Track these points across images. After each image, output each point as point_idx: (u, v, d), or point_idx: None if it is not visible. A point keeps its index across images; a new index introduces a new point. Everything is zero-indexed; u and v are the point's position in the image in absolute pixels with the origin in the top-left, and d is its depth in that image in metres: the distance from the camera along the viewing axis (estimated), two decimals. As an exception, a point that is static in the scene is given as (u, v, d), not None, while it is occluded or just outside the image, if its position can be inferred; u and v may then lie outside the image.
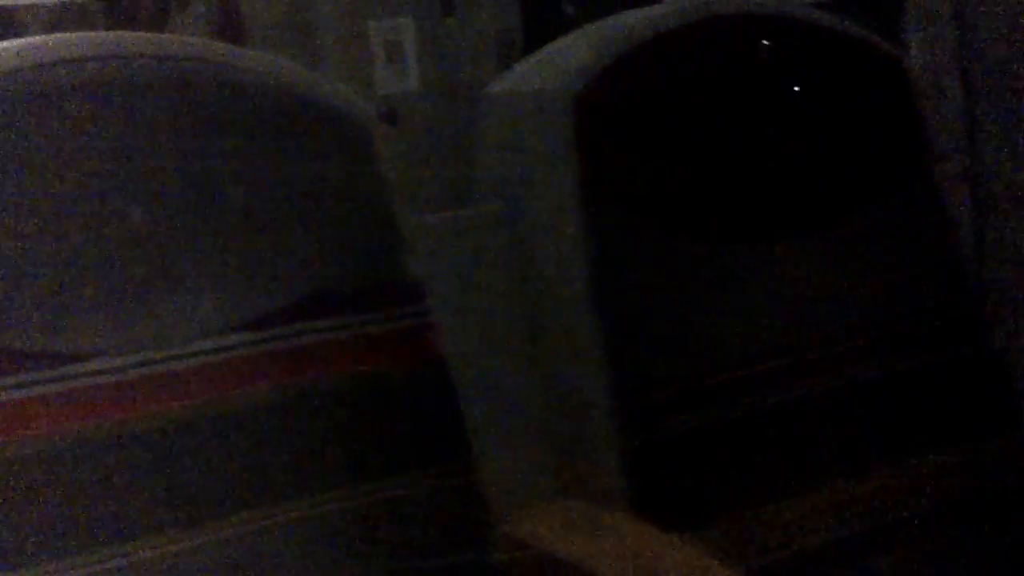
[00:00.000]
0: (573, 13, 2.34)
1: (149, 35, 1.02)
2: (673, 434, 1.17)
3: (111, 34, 1.01)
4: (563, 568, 1.03)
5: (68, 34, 0.98)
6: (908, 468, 1.25)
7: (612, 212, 1.18)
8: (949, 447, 1.28)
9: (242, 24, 2.27)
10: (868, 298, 1.28)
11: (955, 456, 1.28)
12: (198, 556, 0.94)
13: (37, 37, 0.97)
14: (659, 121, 1.22)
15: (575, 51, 1.25)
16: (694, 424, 1.18)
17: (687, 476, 1.18)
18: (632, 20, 1.26)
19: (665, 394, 1.18)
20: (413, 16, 2.32)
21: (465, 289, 1.26)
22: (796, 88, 1.29)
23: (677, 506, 1.16)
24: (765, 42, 1.29)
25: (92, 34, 1.01)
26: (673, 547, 1.03)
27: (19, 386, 0.91)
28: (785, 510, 1.19)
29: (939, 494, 1.26)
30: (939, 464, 1.26)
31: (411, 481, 1.03)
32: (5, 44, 0.95)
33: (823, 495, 1.21)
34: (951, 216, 1.37)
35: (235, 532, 0.96)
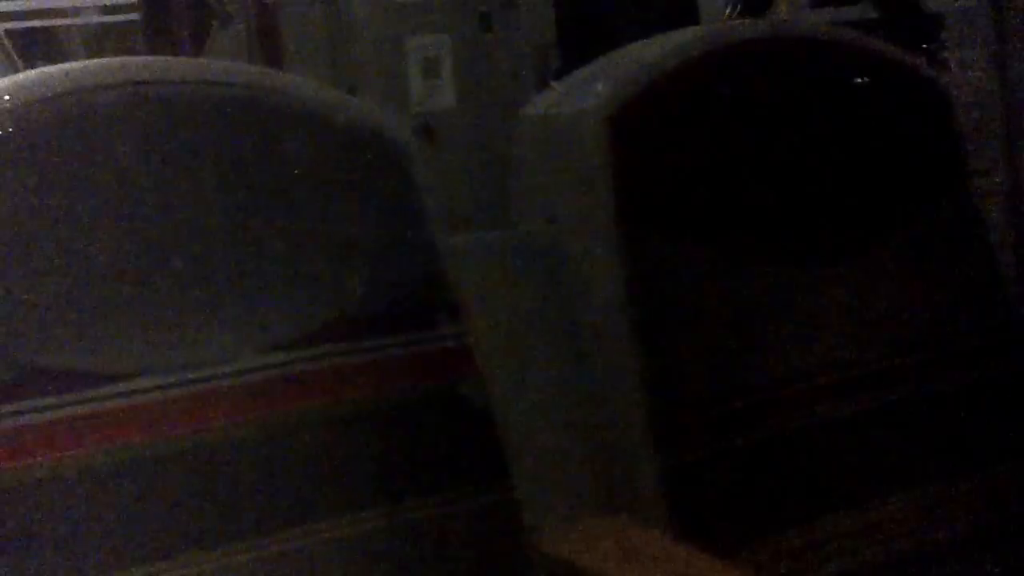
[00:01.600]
0: (623, 25, 2.34)
1: (187, 60, 1.04)
2: (712, 454, 1.17)
3: (152, 59, 1.02)
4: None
5: (111, 59, 1.00)
6: (948, 488, 1.24)
7: (650, 233, 1.18)
8: (991, 467, 1.27)
9: (280, 43, 2.28)
10: (906, 318, 1.27)
11: (997, 477, 1.27)
12: (235, 574, 0.95)
13: (82, 62, 0.98)
14: (695, 143, 1.22)
15: (612, 73, 1.25)
16: (733, 444, 1.18)
17: (726, 496, 1.18)
18: (668, 43, 1.26)
19: (705, 414, 1.18)
20: (450, 33, 2.32)
21: (503, 308, 1.26)
22: (834, 109, 1.29)
23: (715, 526, 1.15)
24: (799, 64, 1.29)
25: (133, 59, 1.02)
26: (710, 567, 1.03)
27: (62, 405, 0.92)
28: (825, 530, 1.19)
29: (982, 515, 1.25)
30: (982, 485, 1.26)
31: (450, 499, 1.03)
32: (52, 69, 0.96)
33: (864, 515, 1.20)
34: (990, 232, 1.36)
35: (272, 551, 0.96)
